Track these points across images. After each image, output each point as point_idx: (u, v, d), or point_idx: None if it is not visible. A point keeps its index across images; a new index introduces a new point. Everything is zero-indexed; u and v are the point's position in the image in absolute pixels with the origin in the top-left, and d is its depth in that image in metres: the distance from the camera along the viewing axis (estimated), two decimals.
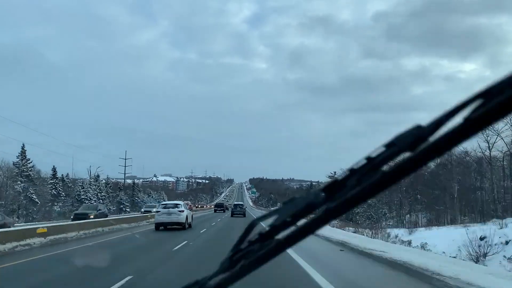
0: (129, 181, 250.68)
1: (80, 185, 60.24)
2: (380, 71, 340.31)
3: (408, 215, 54.69)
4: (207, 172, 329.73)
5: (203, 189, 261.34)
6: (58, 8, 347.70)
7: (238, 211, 46.07)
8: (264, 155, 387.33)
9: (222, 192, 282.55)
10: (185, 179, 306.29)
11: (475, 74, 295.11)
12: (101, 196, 61.50)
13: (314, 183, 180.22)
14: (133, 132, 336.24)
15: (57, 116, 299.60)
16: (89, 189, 58.98)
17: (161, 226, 22.99)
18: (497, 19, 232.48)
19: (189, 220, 24.52)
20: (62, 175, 60.33)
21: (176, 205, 24.08)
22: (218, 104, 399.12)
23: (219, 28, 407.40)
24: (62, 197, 55.16)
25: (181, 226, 22.77)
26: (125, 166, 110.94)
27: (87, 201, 57.81)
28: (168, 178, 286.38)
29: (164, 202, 29.24)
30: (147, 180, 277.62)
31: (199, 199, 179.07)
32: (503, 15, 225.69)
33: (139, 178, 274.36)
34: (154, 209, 38.99)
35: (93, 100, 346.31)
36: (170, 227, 22.65)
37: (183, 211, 23.45)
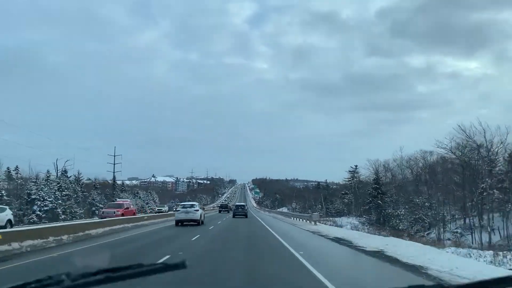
0: (127, 182, 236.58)
1: (33, 182, 46.12)
2: (384, 69, 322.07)
3: (477, 219, 38.76)
4: (209, 173, 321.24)
5: (204, 190, 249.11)
6: (59, 10, 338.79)
7: (240, 212, 46.13)
8: (267, 156, 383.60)
9: (224, 193, 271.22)
10: (186, 180, 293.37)
11: (480, 72, 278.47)
12: (61, 196, 47.27)
13: (321, 183, 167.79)
14: (135, 133, 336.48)
15: (57, 117, 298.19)
16: (42, 186, 44.78)
17: (179, 223, 27.63)
18: (504, 14, 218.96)
19: (202, 218, 29.32)
20: (8, 168, 46.34)
21: (192, 205, 29.41)
22: (220, 104, 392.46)
23: (220, 28, 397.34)
24: (4, 198, 40.97)
25: (196, 223, 27.69)
26: (114, 164, 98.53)
27: (38, 202, 43.72)
28: (167, 179, 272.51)
29: (182, 203, 34.92)
30: (145, 180, 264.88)
31: (198, 200, 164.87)
32: (510, 9, 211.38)
33: (139, 179, 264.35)
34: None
35: (93, 102, 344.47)
36: (187, 223, 27.45)
37: (198, 210, 28.73)
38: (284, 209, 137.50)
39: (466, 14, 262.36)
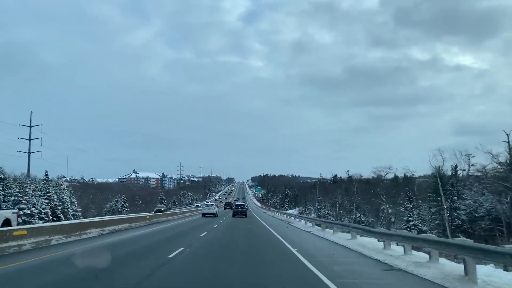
0: (111, 180, 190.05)
1: None
2: (387, 62, 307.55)
3: None
4: (205, 171, 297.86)
5: (195, 188, 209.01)
6: (52, 9, 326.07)
7: (239, 211, 47.84)
8: (266, 154, 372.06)
9: (219, 191, 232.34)
10: (175, 177, 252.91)
11: (485, 65, 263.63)
12: None
13: (339, 177, 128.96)
14: (130, 133, 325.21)
15: (52, 117, 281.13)
16: None
17: (203, 215, 45.27)
18: None
19: (217, 212, 47.45)
20: None
21: (211, 205, 51.40)
22: (217, 103, 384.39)
23: (214, 26, 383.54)
24: None
25: (214, 215, 44.59)
26: (29, 139, 62.96)
27: None
28: (151, 175, 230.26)
29: (206, 203, 62.44)
30: (124, 177, 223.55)
31: (181, 198, 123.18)
32: None
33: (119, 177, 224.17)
34: None
35: (88, 102, 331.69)
36: (208, 216, 44.02)
37: (215, 208, 48.42)
38: (296, 211, 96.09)
39: (473, 0, 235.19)
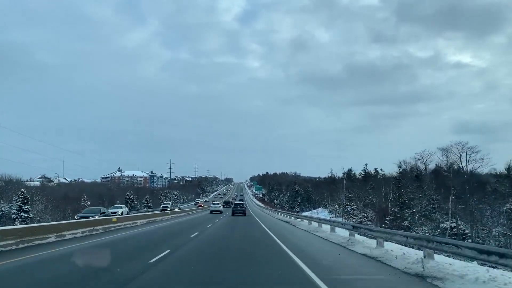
0: (98, 180, 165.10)
1: None
2: (387, 59, 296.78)
3: None
4: (203, 172, 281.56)
5: (188, 187, 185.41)
6: (49, 9, 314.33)
7: (238, 210, 49.02)
8: (265, 154, 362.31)
9: (215, 191, 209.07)
10: (165, 176, 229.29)
11: (485, 63, 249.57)
12: None
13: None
14: (127, 133, 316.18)
15: (46, 119, 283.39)
16: None
17: (211, 212, 56.37)
18: None
19: (221, 209, 59.61)
20: None
21: (218, 203, 64.42)
22: (215, 103, 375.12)
23: (211, 26, 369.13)
24: None
25: (219, 212, 55.82)
26: None
27: None
28: (138, 173, 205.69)
29: (213, 202, 71.91)
30: (108, 176, 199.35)
31: (164, 198, 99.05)
32: None
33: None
34: None
35: (85, 102, 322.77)
36: (214, 212, 55.85)
37: (220, 206, 61.76)
38: (322, 214, 72.07)
39: None
